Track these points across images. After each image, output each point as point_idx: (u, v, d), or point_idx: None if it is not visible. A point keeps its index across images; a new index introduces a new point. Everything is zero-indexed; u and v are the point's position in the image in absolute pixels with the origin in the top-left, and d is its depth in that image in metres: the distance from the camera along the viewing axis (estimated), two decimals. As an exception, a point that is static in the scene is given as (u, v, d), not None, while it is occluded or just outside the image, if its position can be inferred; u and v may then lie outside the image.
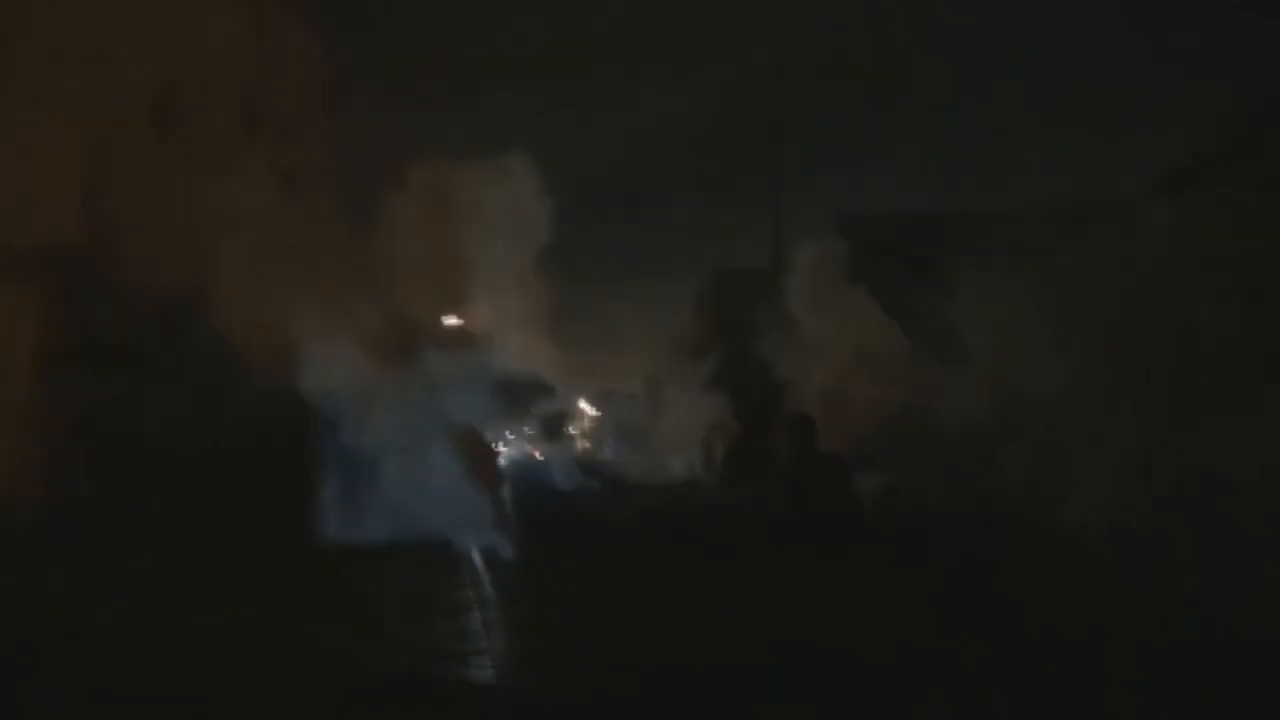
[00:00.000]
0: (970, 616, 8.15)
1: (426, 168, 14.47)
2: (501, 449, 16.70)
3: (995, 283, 10.01)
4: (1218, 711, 6.07)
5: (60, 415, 11.88)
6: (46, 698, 5.84)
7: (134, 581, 9.22)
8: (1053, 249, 9.64)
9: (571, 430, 29.43)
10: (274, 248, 12.15)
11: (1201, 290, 8.71)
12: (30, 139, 11.71)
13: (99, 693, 6.10)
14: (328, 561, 10.59)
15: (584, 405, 30.41)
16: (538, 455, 25.98)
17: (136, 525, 10.63)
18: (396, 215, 14.26)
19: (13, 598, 8.44)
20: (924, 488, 10.62)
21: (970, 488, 10.28)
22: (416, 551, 11.07)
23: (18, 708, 5.72)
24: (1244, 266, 8.44)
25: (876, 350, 11.30)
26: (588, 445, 28.93)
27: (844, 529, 6.94)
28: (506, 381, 14.78)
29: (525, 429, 26.43)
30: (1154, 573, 8.32)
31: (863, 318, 11.45)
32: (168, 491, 11.12)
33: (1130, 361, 9.00)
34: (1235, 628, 7.18)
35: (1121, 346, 9.06)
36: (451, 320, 15.03)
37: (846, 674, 6.40)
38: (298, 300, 11.91)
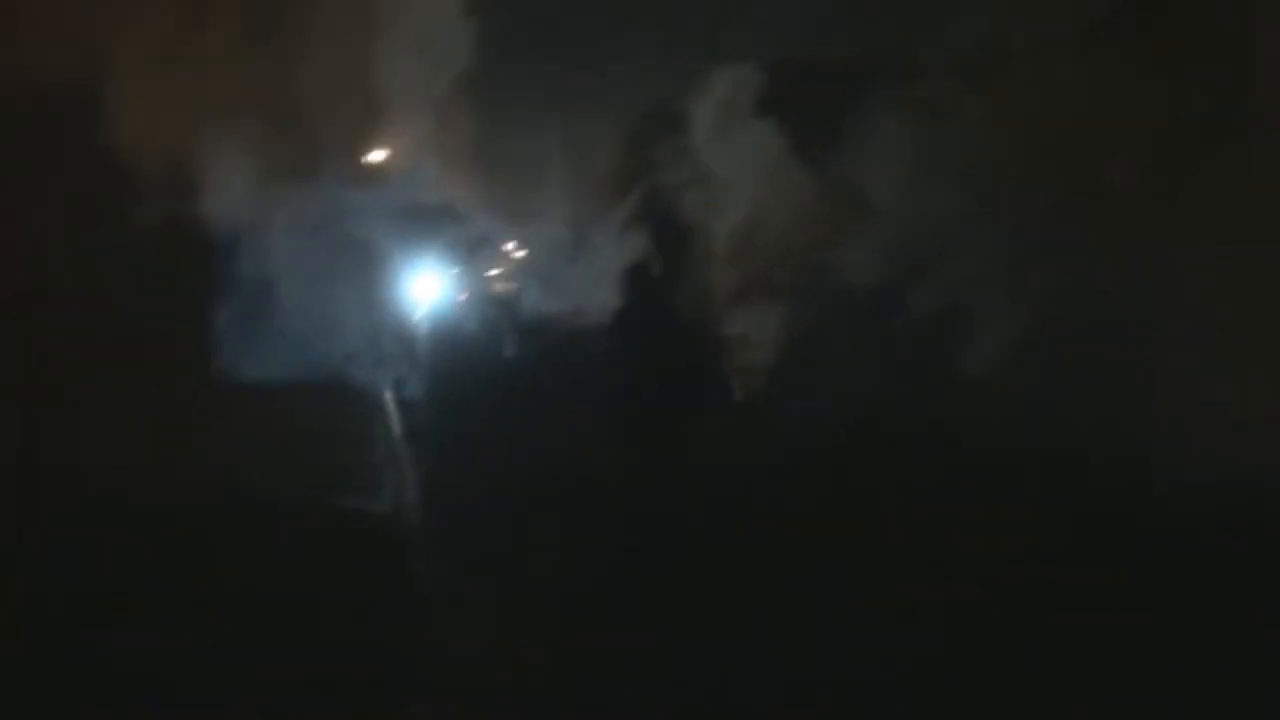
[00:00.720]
0: (872, 461, 8.50)
1: None
2: (415, 283, 16.55)
3: (902, 131, 10.12)
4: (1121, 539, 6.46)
5: None
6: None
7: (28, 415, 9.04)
8: (962, 100, 9.79)
9: (491, 270, 29.18)
10: (170, 60, 11.55)
11: (1106, 145, 8.97)
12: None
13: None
14: (226, 394, 10.47)
15: (505, 244, 30.11)
16: (456, 294, 25.77)
17: (18, 357, 10.36)
18: (306, 29, 13.59)
19: None
20: (828, 338, 10.91)
21: (874, 336, 10.60)
22: (318, 386, 10.98)
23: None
24: (1150, 122, 8.68)
25: (783, 192, 11.26)
26: (507, 285, 28.79)
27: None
28: (420, 212, 14.48)
29: (441, 265, 25.94)
30: (1057, 411, 8.79)
31: (770, 158, 11.37)
32: (53, 321, 10.83)
33: (1035, 214, 9.27)
34: (1138, 461, 7.62)
35: (1025, 199, 9.32)
36: (362, 145, 14.58)
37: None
38: (195, 118, 11.39)
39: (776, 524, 7.16)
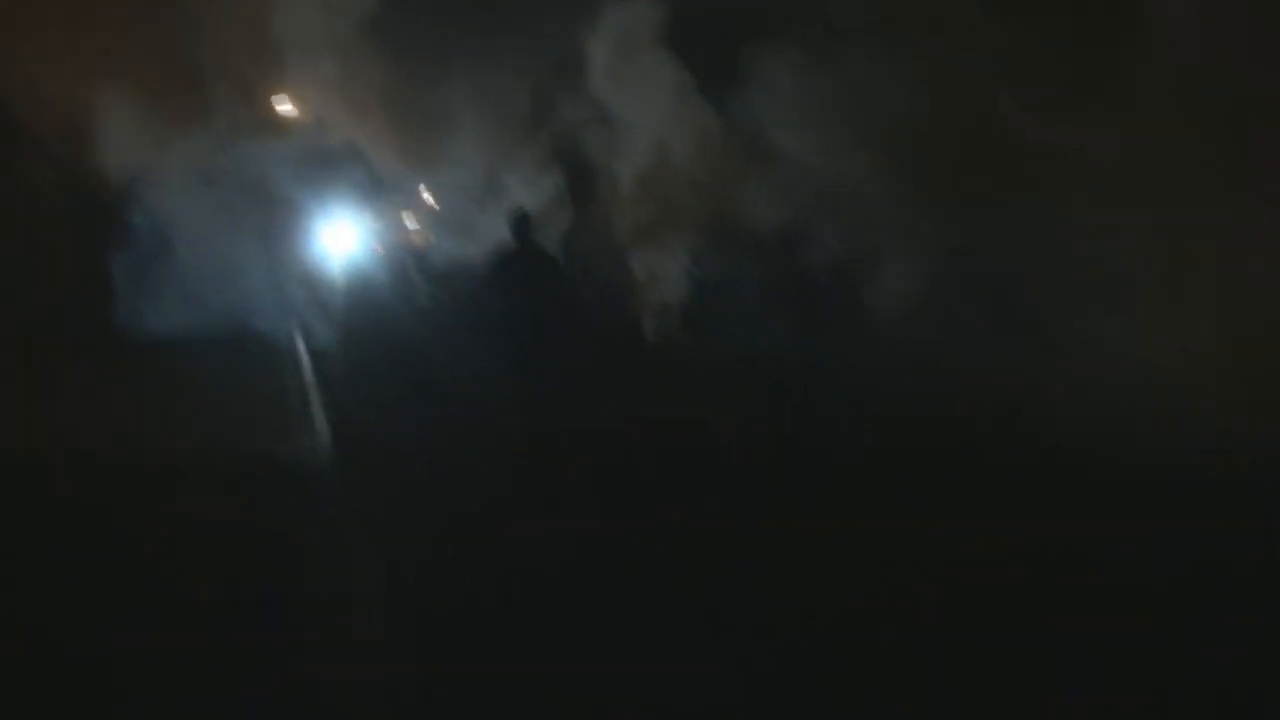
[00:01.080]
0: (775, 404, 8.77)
1: None
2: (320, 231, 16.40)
3: (804, 66, 10.28)
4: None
5: None
6: None
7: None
8: (862, 36, 9.99)
9: (406, 221, 28.80)
10: (64, 9, 11.20)
11: (1002, 84, 9.22)
12: None
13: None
14: (132, 352, 10.37)
15: (419, 194, 29.73)
16: (371, 244, 25.44)
17: None
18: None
19: None
20: (739, 277, 11.16)
21: (783, 276, 10.87)
22: (228, 339, 10.95)
23: None
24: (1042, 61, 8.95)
25: (686, 129, 11.32)
26: (421, 235, 28.43)
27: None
28: (324, 158, 14.29)
29: (347, 212, 25.49)
30: (956, 357, 9.14)
31: (671, 94, 11.41)
32: None
33: (936, 152, 9.53)
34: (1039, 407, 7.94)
35: (926, 137, 9.56)
36: (263, 92, 14.34)
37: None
38: (89, 68, 11.11)
39: (679, 462, 7.30)
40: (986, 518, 6.06)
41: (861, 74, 9.84)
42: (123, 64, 11.42)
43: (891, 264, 10.04)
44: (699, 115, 11.26)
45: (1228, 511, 5.96)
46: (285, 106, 15.12)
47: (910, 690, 4.29)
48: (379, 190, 22.93)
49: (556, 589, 5.17)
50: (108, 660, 4.36)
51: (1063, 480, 6.81)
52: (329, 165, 15.26)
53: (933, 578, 5.32)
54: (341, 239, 17.78)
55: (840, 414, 8.52)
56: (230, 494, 6.54)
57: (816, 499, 6.57)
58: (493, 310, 8.39)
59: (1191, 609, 4.80)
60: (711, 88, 11.21)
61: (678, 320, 11.60)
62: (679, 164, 11.39)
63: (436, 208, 29.53)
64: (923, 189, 9.55)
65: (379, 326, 12.67)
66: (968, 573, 5.35)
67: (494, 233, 20.17)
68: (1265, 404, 7.21)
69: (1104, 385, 8.21)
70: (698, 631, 4.72)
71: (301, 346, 11.26)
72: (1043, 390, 8.29)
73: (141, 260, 11.53)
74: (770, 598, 5.08)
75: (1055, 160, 8.91)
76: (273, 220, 12.75)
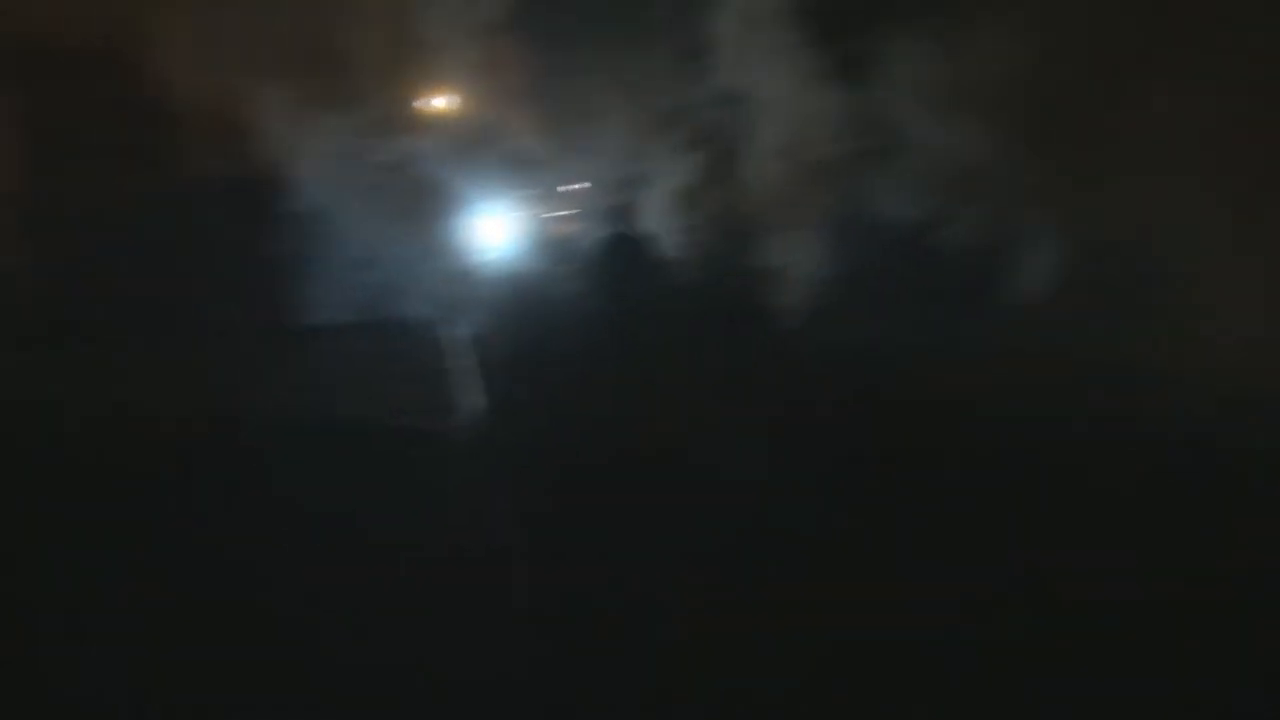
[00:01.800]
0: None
1: None
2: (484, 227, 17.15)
3: (926, 55, 10.39)
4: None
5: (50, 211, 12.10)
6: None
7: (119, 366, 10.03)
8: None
9: (563, 210, 29.55)
10: (232, 31, 11.90)
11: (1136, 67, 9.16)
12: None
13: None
14: (306, 337, 11.48)
15: (571, 183, 30.52)
16: (514, 230, 26.30)
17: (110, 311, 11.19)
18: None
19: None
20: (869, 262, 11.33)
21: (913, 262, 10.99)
22: (391, 326, 11.97)
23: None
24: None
25: (814, 111, 11.44)
26: (575, 225, 29.08)
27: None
28: (489, 158, 14.93)
29: (514, 209, 26.43)
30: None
31: (800, 74, 11.53)
32: (143, 279, 11.56)
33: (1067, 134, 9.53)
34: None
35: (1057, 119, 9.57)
36: (411, 86, 14.88)
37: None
38: (261, 79, 11.87)
39: (817, 453, 7.60)
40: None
41: (991, 54, 9.90)
42: (276, 52, 12.09)
43: (1024, 250, 10.09)
44: (830, 98, 11.44)
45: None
46: (433, 95, 15.68)
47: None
48: (525, 176, 23.73)
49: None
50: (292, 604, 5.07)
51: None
52: (478, 152, 15.94)
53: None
54: (490, 225, 18.59)
55: (972, 405, 8.61)
56: (383, 465, 7.22)
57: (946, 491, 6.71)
58: (628, 295, 8.92)
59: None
60: (845, 70, 11.38)
61: (810, 306, 11.84)
62: (810, 147, 11.58)
63: (583, 194, 30.23)
64: (1053, 172, 9.58)
65: (528, 312, 13.34)
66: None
67: (637, 218, 20.76)
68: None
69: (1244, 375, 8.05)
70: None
71: (452, 331, 12.00)
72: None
73: (300, 246, 12.42)
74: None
75: (1191, 142, 8.83)
76: (423, 207, 13.37)
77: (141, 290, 11.22)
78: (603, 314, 9.17)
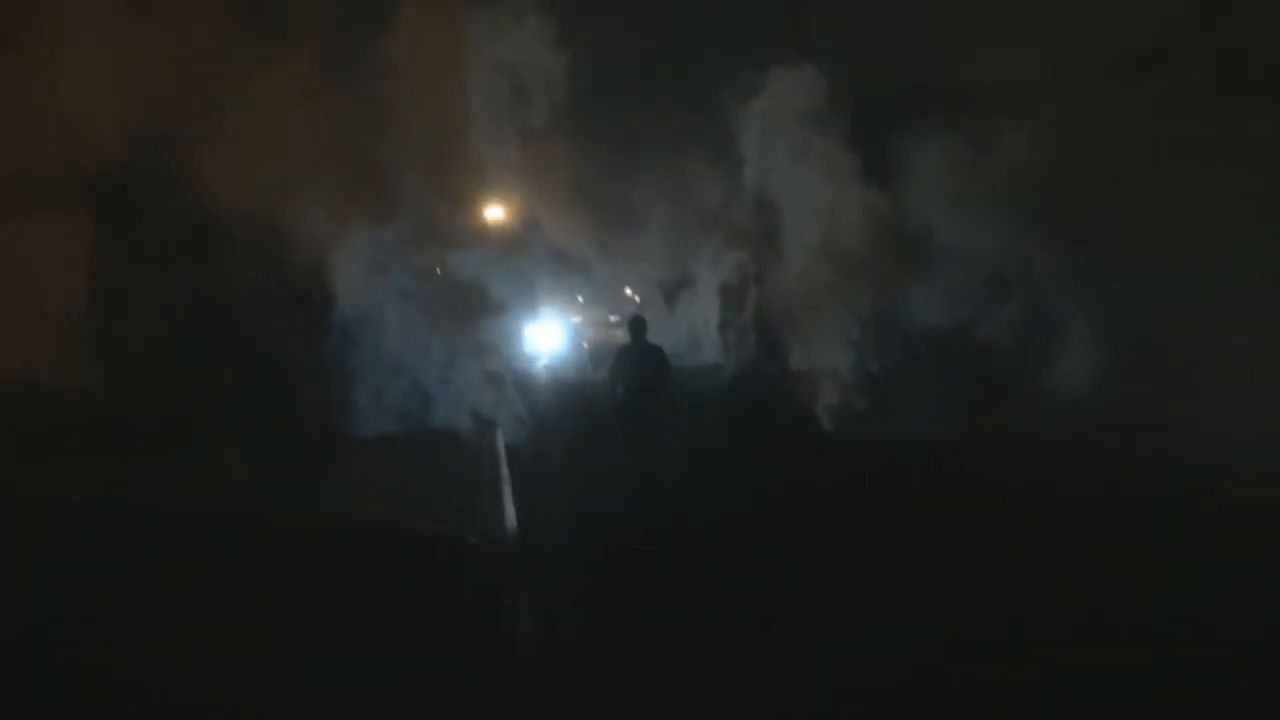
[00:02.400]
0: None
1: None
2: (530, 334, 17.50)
3: (953, 156, 10.64)
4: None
5: (110, 328, 12.64)
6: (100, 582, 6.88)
7: (182, 470, 10.52)
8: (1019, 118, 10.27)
9: (611, 318, 30.15)
10: (297, 156, 12.36)
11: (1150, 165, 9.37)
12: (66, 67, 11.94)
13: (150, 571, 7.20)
14: (355, 446, 11.96)
15: (616, 286, 31.20)
16: (583, 344, 26.89)
17: (180, 424, 11.63)
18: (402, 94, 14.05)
19: (62, 491, 9.64)
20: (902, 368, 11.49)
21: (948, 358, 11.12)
22: (435, 435, 12.39)
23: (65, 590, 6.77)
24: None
25: (854, 214, 11.68)
26: (617, 329, 29.57)
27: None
28: (533, 264, 15.20)
29: (564, 321, 27.19)
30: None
31: (840, 179, 11.79)
32: (210, 394, 12.00)
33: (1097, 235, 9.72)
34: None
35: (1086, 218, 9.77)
36: (459, 192, 15.14)
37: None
38: (318, 205, 12.30)
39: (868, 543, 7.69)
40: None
41: (1020, 156, 10.14)
42: (323, 170, 12.58)
43: (1058, 342, 10.21)
44: (867, 199, 11.73)
45: None
46: (480, 202, 16.07)
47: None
48: (571, 280, 24.16)
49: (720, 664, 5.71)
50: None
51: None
52: (522, 259, 16.37)
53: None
54: (536, 332, 18.89)
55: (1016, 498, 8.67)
56: (421, 569, 7.40)
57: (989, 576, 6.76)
58: (663, 401, 9.26)
59: None
60: (880, 172, 11.68)
61: (849, 405, 11.98)
62: (847, 248, 11.84)
63: (635, 299, 30.68)
64: (1087, 270, 9.73)
65: (569, 419, 13.59)
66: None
67: (685, 322, 20.99)
68: None
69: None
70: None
71: (497, 439, 12.29)
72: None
73: (347, 356, 12.83)
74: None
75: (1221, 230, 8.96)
76: (469, 314, 13.70)
77: (192, 403, 11.72)
78: (641, 419, 9.36)
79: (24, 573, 7.10)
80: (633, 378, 9.34)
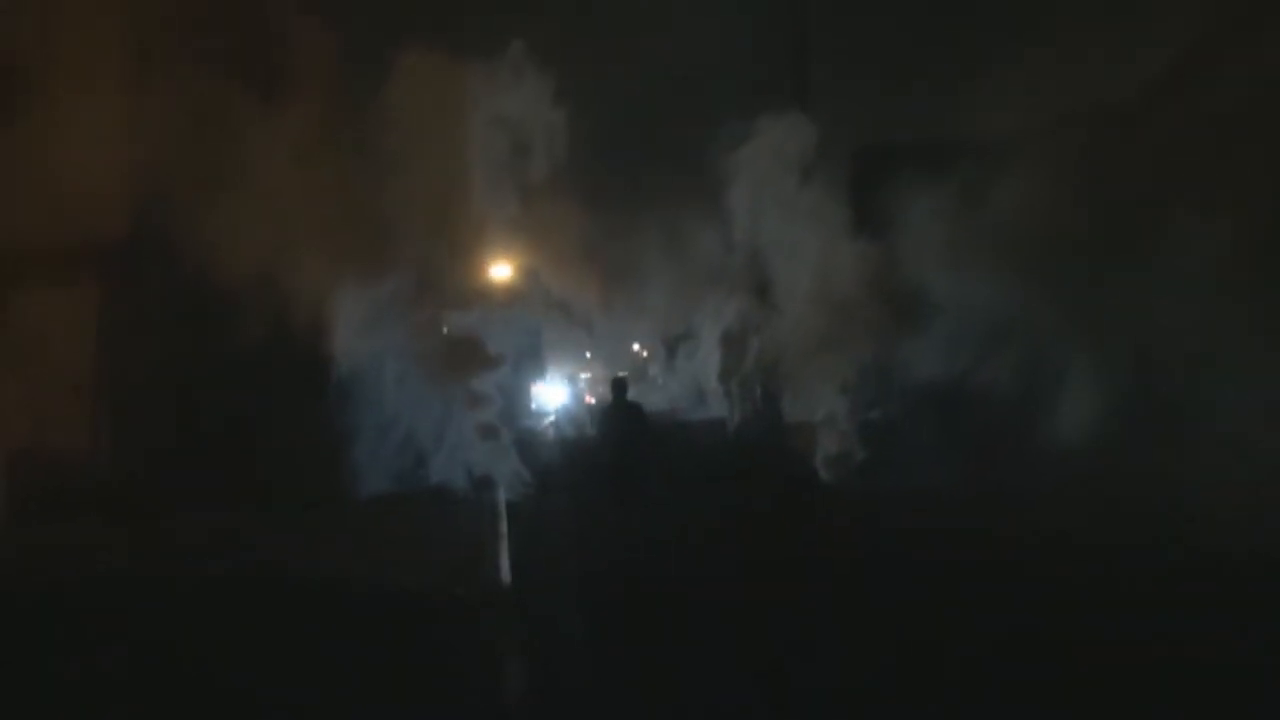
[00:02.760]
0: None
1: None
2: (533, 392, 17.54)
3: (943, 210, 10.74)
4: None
5: (117, 392, 12.77)
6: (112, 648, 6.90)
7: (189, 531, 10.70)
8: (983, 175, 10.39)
9: (620, 374, 30.23)
10: (297, 217, 12.45)
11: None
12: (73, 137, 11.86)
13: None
14: (358, 508, 12.11)
15: (634, 347, 31.41)
16: (587, 399, 26.95)
17: (189, 483, 11.56)
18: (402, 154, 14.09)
19: (74, 554, 9.79)
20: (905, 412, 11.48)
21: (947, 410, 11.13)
22: (437, 495, 12.53)
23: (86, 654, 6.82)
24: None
25: (851, 265, 11.76)
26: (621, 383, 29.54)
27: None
28: (536, 322, 15.14)
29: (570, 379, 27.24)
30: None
31: (834, 230, 11.91)
32: (218, 454, 12.06)
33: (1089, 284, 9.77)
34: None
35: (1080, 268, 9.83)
36: (468, 252, 15.16)
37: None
38: (318, 265, 12.35)
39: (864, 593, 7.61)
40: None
41: (1015, 207, 10.21)
42: (325, 235, 12.67)
43: (1056, 394, 10.20)
44: (865, 252, 11.81)
45: None
46: (483, 261, 16.12)
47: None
48: (577, 337, 24.27)
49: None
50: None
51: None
52: (525, 317, 16.42)
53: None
54: (539, 390, 19.00)
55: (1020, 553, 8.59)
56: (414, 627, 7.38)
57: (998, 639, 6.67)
58: (649, 451, 9.45)
59: None
60: (876, 224, 11.76)
61: (850, 458, 11.99)
62: (844, 299, 11.90)
63: (644, 355, 30.73)
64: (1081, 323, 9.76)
65: (569, 477, 13.57)
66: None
67: (688, 376, 20.98)
68: None
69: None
70: None
71: (495, 498, 12.34)
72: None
73: (350, 416, 12.87)
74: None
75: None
76: (471, 373, 13.74)
77: (198, 464, 11.78)
78: (623, 471, 9.50)
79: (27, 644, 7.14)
80: (612, 434, 9.91)
